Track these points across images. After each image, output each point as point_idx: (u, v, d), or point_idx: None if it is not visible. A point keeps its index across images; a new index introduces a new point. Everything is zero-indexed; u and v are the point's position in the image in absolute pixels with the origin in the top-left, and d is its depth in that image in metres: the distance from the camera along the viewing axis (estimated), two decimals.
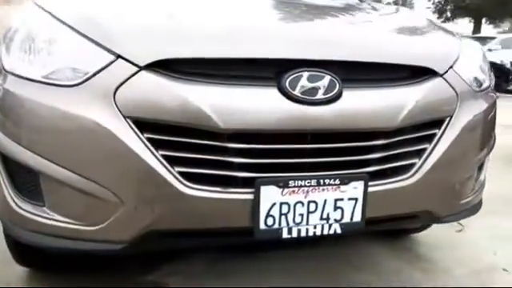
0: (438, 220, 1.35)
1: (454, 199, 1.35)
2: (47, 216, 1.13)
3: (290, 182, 1.10)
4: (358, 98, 1.15)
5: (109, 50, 1.08)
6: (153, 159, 1.05)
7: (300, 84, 1.10)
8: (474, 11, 21.17)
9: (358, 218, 1.17)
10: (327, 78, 1.12)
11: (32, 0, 1.36)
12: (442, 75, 1.27)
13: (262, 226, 1.11)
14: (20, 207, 1.16)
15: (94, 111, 1.05)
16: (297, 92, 1.09)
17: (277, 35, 1.22)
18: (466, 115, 1.30)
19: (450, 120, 1.27)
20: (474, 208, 1.45)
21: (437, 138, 1.26)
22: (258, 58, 1.11)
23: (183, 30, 1.17)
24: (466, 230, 2.14)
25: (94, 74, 1.06)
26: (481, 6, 19.89)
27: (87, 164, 1.07)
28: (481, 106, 1.36)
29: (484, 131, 1.37)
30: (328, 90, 1.11)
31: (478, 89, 1.37)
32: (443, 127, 1.27)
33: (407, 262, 1.84)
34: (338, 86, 1.12)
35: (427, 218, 1.34)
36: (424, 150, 1.24)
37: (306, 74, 1.11)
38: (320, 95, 1.11)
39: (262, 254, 1.82)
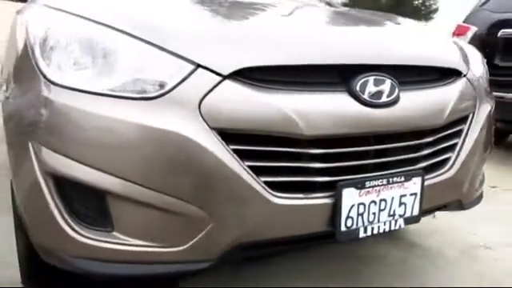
0: (461, 208, 1.50)
1: (473, 189, 1.50)
2: (118, 241, 1.03)
3: (366, 183, 1.15)
4: (412, 100, 1.23)
5: (186, 59, 1.02)
6: (241, 170, 1.02)
7: (368, 88, 1.15)
8: None
9: (416, 211, 1.26)
10: (388, 82, 1.18)
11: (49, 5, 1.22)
12: (465, 75, 1.42)
13: (343, 227, 1.14)
14: (83, 235, 1.04)
15: (180, 124, 0.98)
16: (366, 96, 1.14)
17: (341, 42, 1.25)
18: (483, 111, 1.46)
19: (472, 116, 1.42)
20: (480, 197, 1.62)
21: (464, 133, 1.39)
22: (329, 64, 1.14)
23: (258, 37, 1.15)
24: (451, 216, 2.34)
25: (176, 86, 1.00)
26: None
27: (171, 180, 1.00)
28: (490, 102, 1.54)
29: (491, 126, 1.55)
30: (390, 93, 1.18)
31: (487, 87, 1.55)
32: (468, 123, 1.41)
33: (407, 251, 1.99)
34: (397, 89, 1.19)
35: (455, 206, 1.47)
36: (456, 144, 1.37)
37: (371, 79, 1.16)
38: (384, 98, 1.17)
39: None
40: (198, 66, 1.02)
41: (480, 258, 1.95)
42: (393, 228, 1.23)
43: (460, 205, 1.46)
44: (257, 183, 1.04)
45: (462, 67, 1.41)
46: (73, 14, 1.15)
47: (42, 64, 1.06)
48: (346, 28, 1.53)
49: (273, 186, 1.06)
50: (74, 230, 1.04)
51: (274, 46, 1.13)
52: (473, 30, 3.54)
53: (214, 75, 1.02)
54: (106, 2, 1.25)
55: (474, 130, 1.42)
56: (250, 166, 1.04)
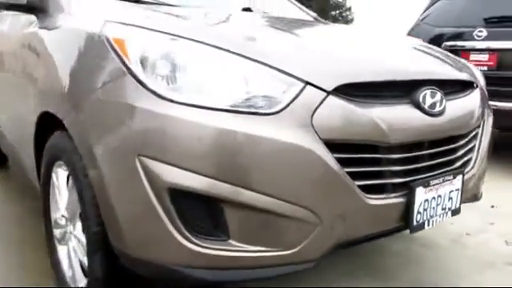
0: (476, 200, 1.73)
1: (482, 183, 1.76)
2: (234, 249, 1.09)
3: (430, 182, 1.33)
4: (452, 108, 1.44)
5: (296, 78, 1.12)
6: (344, 176, 1.14)
7: (427, 100, 1.33)
8: None
9: (458, 204, 1.47)
10: (439, 94, 1.38)
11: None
12: (477, 86, 1.66)
13: (414, 222, 1.30)
14: (199, 245, 1.08)
15: (297, 136, 1.08)
16: (427, 107, 1.32)
17: (404, 61, 1.43)
18: (489, 117, 1.73)
19: (484, 121, 1.67)
20: (481, 194, 1.87)
21: (479, 136, 1.64)
22: (400, 80, 1.30)
23: (346, 57, 1.28)
24: None
25: (291, 102, 1.09)
26: None
27: (288, 187, 1.09)
28: (491, 109, 1.81)
29: (493, 130, 1.82)
30: (440, 103, 1.37)
31: (487, 96, 1.82)
32: (481, 127, 1.66)
33: (407, 242, 2.22)
34: (444, 99, 1.39)
35: (472, 199, 1.71)
36: (474, 146, 1.61)
37: (428, 92, 1.34)
38: (438, 108, 1.36)
39: None
40: (307, 83, 1.12)
41: (467, 244, 2.24)
42: (443, 220, 1.42)
43: (475, 198, 1.70)
44: (355, 187, 1.16)
45: (475, 79, 1.66)
46: (170, 34, 1.18)
47: (154, 84, 1.09)
48: (399, 49, 1.69)
49: (363, 188, 1.19)
50: (190, 241, 1.08)
51: (362, 66, 1.27)
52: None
53: (320, 91, 1.13)
54: (191, 22, 1.29)
55: (485, 133, 1.67)
56: (347, 172, 1.16)
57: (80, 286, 1.48)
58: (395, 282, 1.83)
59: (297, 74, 1.12)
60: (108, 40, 1.21)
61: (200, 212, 1.09)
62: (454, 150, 1.46)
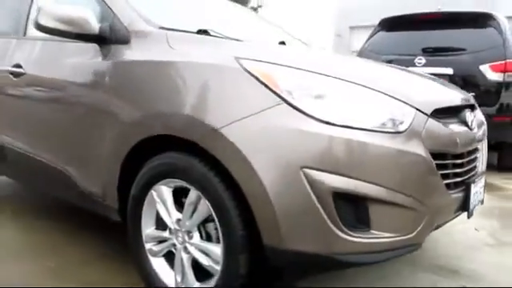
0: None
1: None
2: (374, 236, 1.42)
3: (476, 180, 1.79)
4: (476, 123, 1.92)
5: (410, 105, 1.50)
6: (440, 176, 1.54)
7: (468, 118, 1.80)
8: None
9: (482, 197, 1.95)
10: (472, 113, 1.86)
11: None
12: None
13: (470, 209, 1.74)
14: (350, 235, 1.39)
15: (417, 148, 1.45)
16: (469, 123, 1.79)
17: (453, 90, 1.88)
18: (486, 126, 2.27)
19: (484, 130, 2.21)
20: None
21: (483, 143, 2.15)
22: (457, 105, 1.75)
23: (425, 89, 1.69)
24: None
25: (411, 123, 1.46)
26: None
27: (414, 185, 1.45)
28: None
29: None
30: (473, 120, 1.85)
31: None
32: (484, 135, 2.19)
33: None
34: (474, 117, 1.88)
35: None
36: (481, 151, 2.13)
37: (468, 112, 1.82)
38: (474, 124, 1.84)
39: None
40: (416, 109, 1.50)
41: (456, 231, 2.78)
42: (477, 208, 1.88)
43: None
44: (444, 185, 1.57)
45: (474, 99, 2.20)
46: (308, 71, 1.50)
47: (309, 110, 1.39)
48: (438, 82, 2.11)
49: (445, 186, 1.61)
50: (344, 232, 1.38)
51: (438, 96, 1.71)
52: None
53: (423, 115, 1.52)
54: (306, 58, 1.60)
55: (486, 140, 2.20)
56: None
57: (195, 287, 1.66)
58: (414, 268, 2.26)
59: (410, 103, 1.50)
60: (252, 74, 1.47)
61: (351, 208, 1.39)
62: (477, 155, 1.95)
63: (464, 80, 4.06)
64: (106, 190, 1.94)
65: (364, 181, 1.37)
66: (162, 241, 1.79)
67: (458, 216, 1.77)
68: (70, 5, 1.94)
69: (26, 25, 2.58)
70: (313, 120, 1.39)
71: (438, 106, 1.61)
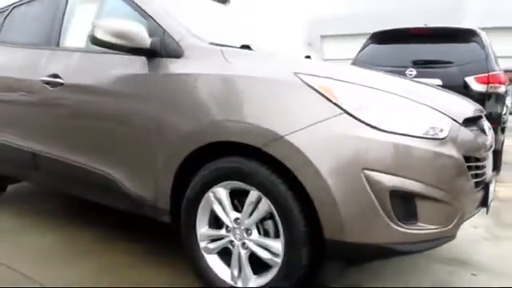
0: None
1: None
2: (420, 228, 1.64)
3: (492, 180, 2.05)
4: (489, 130, 2.19)
5: (447, 115, 1.74)
6: (470, 176, 1.78)
7: (485, 126, 2.06)
8: None
9: (493, 195, 2.22)
10: (487, 122, 2.12)
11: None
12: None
13: (488, 205, 2.00)
14: (402, 227, 1.61)
15: (454, 151, 1.69)
16: (486, 130, 2.05)
17: (471, 103, 2.14)
18: None
19: None
20: None
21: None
22: (475, 116, 2.01)
23: (453, 101, 1.94)
24: None
25: (450, 130, 1.70)
26: None
27: (453, 184, 1.69)
28: None
29: None
30: (488, 128, 2.12)
31: None
32: None
33: None
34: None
35: None
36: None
37: (484, 121, 2.08)
38: (489, 132, 2.10)
39: None
40: (452, 119, 1.74)
41: None
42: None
43: None
44: (474, 184, 1.81)
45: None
46: (360, 85, 1.72)
47: (367, 119, 1.60)
48: (457, 95, 2.38)
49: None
50: (398, 225, 1.60)
51: (464, 107, 1.96)
52: None
53: (457, 124, 1.76)
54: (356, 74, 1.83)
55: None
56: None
57: (250, 284, 1.83)
58: (428, 260, 2.51)
59: (448, 114, 1.74)
60: (313, 87, 1.68)
61: (402, 204, 1.61)
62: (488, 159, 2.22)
63: (452, 90, 4.39)
64: (159, 193, 2.08)
65: (414, 180, 1.60)
66: (216, 239, 1.95)
67: (478, 212, 2.02)
68: (123, 20, 2.09)
69: (59, 36, 2.68)
70: (370, 128, 1.60)
71: (466, 116, 1.86)
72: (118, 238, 2.68)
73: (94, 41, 2.07)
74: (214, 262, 1.96)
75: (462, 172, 1.73)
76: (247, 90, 1.81)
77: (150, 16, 2.21)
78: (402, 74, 4.60)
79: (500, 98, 4.49)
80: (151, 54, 2.11)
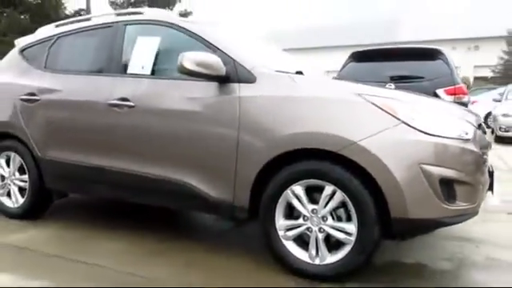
0: None
1: None
2: (458, 205, 2.23)
3: (494, 169, 2.70)
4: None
5: (470, 123, 2.35)
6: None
7: (484, 130, 2.72)
8: None
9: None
10: (482, 126, 2.78)
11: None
12: None
13: (494, 189, 2.64)
14: (448, 205, 2.18)
15: (476, 148, 2.31)
16: (486, 133, 2.70)
17: (472, 111, 2.78)
18: None
19: None
20: None
21: None
22: (480, 123, 2.66)
23: (463, 113, 2.56)
24: None
25: (474, 133, 2.32)
26: None
27: (477, 172, 2.31)
28: None
29: None
30: (485, 130, 2.78)
31: None
32: None
33: None
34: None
35: None
36: None
37: (484, 125, 2.74)
38: (487, 132, 2.76)
39: None
40: (473, 125, 2.37)
41: None
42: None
43: None
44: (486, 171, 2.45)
45: None
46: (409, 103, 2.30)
47: (421, 127, 2.18)
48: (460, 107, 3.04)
49: None
50: (446, 204, 2.17)
51: (474, 117, 2.58)
52: None
53: (474, 128, 2.38)
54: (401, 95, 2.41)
55: None
56: None
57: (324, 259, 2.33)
58: (435, 238, 3.12)
59: (471, 122, 2.37)
60: (376, 105, 2.23)
61: (446, 188, 2.18)
62: None
63: None
64: (237, 194, 2.52)
65: (453, 169, 2.19)
66: (292, 228, 2.43)
67: (486, 195, 2.65)
68: (204, 53, 2.55)
69: (121, 65, 3.05)
70: (421, 133, 2.18)
71: (479, 123, 2.50)
72: (184, 238, 3.07)
73: (182, 69, 2.50)
74: (292, 247, 2.44)
75: (481, 163, 2.35)
76: (320, 107, 2.33)
77: (218, 48, 2.68)
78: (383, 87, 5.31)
79: (464, 106, 5.33)
80: (225, 80, 2.57)
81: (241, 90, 2.54)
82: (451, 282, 2.46)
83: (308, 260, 2.40)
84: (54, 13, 13.47)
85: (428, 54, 5.46)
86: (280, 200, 2.44)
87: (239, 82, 2.57)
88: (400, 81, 5.32)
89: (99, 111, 3.01)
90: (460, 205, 2.24)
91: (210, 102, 2.62)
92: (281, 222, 2.46)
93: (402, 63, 5.49)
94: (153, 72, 2.93)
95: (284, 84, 2.49)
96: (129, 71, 3.02)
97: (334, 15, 36.83)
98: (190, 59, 2.50)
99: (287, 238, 2.45)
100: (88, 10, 14.72)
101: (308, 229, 2.40)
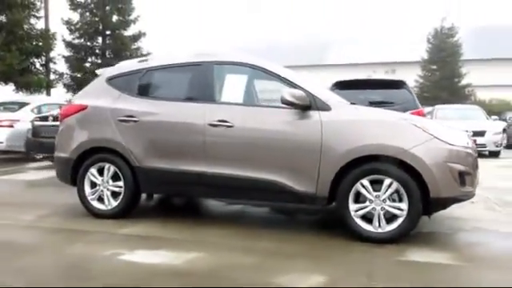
0: None
1: None
2: (466, 189, 3.56)
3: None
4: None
5: (468, 135, 3.72)
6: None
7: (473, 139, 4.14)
8: None
9: None
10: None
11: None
12: None
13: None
14: (461, 188, 3.50)
15: (474, 152, 3.67)
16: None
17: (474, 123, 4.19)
18: None
19: None
20: None
21: None
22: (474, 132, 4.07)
23: (463, 129, 3.93)
24: None
25: (472, 143, 3.68)
26: None
27: (475, 165, 3.67)
28: None
29: None
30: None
31: None
32: None
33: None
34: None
35: None
36: None
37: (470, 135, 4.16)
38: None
39: None
40: (471, 137, 3.73)
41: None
42: None
43: None
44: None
45: None
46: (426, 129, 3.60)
47: (446, 139, 3.49)
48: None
49: None
50: (461, 186, 3.49)
51: (467, 130, 3.95)
52: None
53: (469, 139, 3.76)
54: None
55: None
56: None
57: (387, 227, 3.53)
58: (433, 219, 4.46)
59: (470, 135, 3.73)
60: (417, 126, 3.52)
61: (461, 177, 3.50)
62: None
63: None
64: (320, 188, 3.65)
65: (464, 165, 3.52)
66: (361, 208, 3.59)
67: None
68: (297, 89, 3.68)
69: (214, 94, 4.05)
70: (446, 144, 3.49)
71: (471, 134, 3.89)
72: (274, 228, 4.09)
73: (284, 100, 3.62)
74: (361, 222, 3.61)
75: (476, 161, 3.72)
76: (380, 127, 3.58)
77: (298, 85, 3.81)
78: None
79: None
80: (307, 108, 3.71)
81: (321, 115, 3.69)
82: (453, 238, 3.82)
83: (373, 230, 3.57)
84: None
85: (395, 84, 6.98)
86: (352, 190, 3.60)
87: (318, 109, 3.72)
88: (377, 105, 6.76)
89: (198, 130, 3.96)
90: (467, 188, 3.57)
91: (299, 123, 3.73)
92: (352, 205, 3.62)
93: (377, 91, 6.95)
94: (243, 101, 3.98)
95: (351, 111, 3.70)
96: (222, 100, 4.03)
97: (270, 38, 39.08)
98: (290, 93, 3.62)
99: (357, 216, 3.61)
100: (47, 29, 14.93)
101: (372, 209, 3.58)
